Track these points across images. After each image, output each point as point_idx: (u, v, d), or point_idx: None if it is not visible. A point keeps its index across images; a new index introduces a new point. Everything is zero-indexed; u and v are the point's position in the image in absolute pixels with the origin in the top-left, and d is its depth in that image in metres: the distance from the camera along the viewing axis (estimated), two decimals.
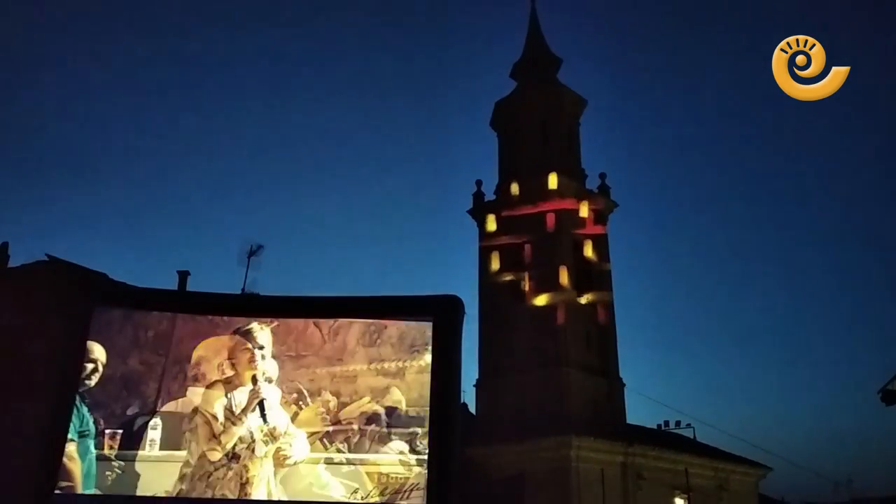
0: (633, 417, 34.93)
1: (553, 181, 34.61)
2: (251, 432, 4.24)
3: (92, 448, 4.49)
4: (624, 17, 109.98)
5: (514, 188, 35.43)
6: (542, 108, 37.65)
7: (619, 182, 72.87)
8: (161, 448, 4.36)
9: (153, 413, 4.46)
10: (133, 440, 4.44)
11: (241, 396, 4.30)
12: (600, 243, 35.51)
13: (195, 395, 4.40)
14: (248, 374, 4.36)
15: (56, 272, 21.75)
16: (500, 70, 54.31)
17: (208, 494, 4.20)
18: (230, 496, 4.16)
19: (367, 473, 4.28)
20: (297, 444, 4.27)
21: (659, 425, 35.04)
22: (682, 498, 32.50)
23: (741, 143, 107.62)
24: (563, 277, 33.47)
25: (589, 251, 34.88)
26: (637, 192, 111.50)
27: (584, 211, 35.07)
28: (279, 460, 4.25)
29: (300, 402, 4.41)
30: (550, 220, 34.10)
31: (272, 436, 4.25)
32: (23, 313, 20.28)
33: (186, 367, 4.62)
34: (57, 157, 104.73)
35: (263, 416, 4.26)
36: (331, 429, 4.40)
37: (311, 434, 4.31)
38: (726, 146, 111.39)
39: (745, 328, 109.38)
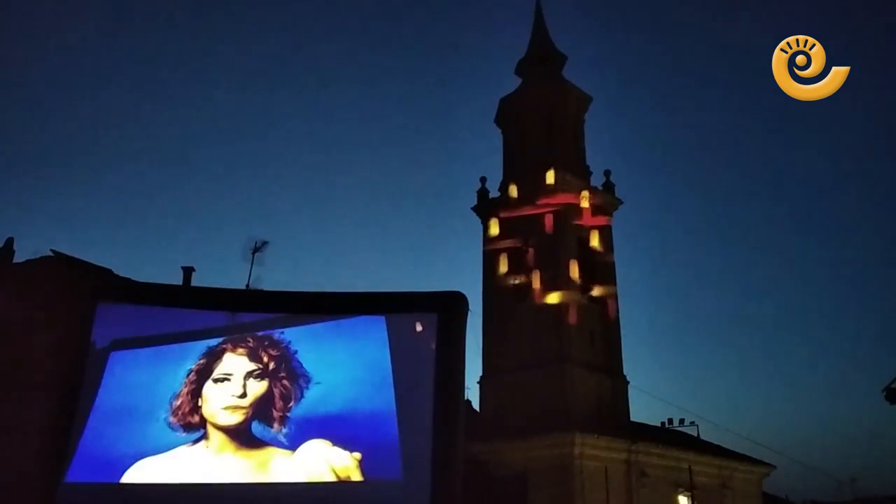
0: (636, 415, 35.01)
1: (558, 178, 34.63)
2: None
3: None
4: (628, 14, 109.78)
5: (519, 185, 35.46)
6: (547, 105, 37.66)
7: (623, 179, 72.92)
8: None
9: None
10: None
11: None
12: (605, 240, 35.53)
13: None
14: None
15: (61, 267, 21.82)
16: (505, 67, 54.30)
17: None
18: None
19: None
20: None
21: (663, 423, 35.00)
22: (685, 496, 32.52)
23: (746, 140, 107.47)
24: (568, 274, 33.48)
25: (594, 248, 34.88)
26: (642, 189, 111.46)
27: (588, 208, 35.07)
28: None
29: None
30: (555, 217, 34.12)
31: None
32: (28, 308, 20.37)
33: None
34: (62, 152, 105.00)
35: None
36: None
37: None
38: (731, 143, 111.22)
39: (749, 326, 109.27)
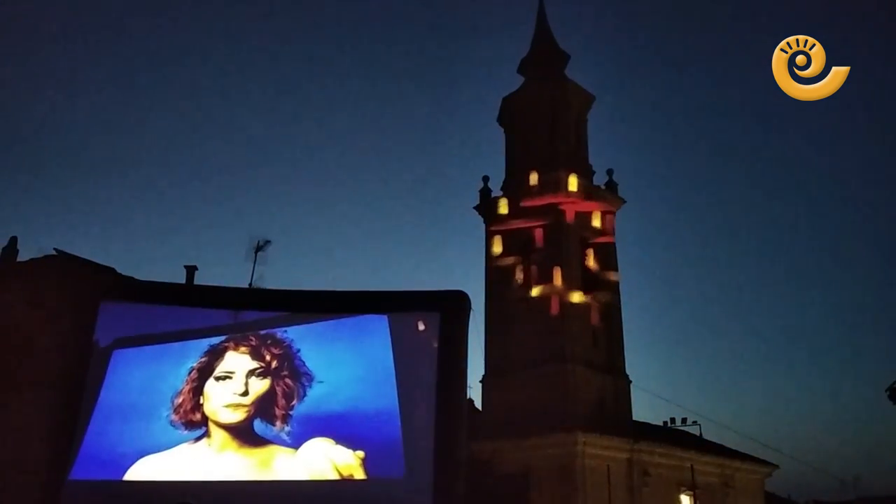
0: (639, 414, 34.91)
1: (560, 177, 34.58)
2: None
3: None
4: (631, 12, 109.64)
5: (521, 184, 35.41)
6: (549, 104, 37.56)
7: (626, 178, 72.68)
8: None
9: None
10: None
11: None
12: (607, 239, 35.46)
13: None
14: None
15: (64, 267, 21.87)
16: (508, 66, 54.32)
17: None
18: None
19: None
20: None
21: (665, 422, 34.87)
22: (687, 495, 32.46)
23: (749, 139, 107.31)
24: (570, 274, 33.43)
25: (596, 248, 34.83)
26: (644, 189, 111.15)
27: (591, 207, 35.00)
28: None
29: None
30: (557, 216, 34.08)
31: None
32: (32, 307, 20.43)
33: None
34: (65, 152, 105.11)
35: None
36: None
37: None
38: (733, 142, 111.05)
39: (752, 325, 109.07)
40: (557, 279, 33.02)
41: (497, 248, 35.03)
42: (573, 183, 34.62)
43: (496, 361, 33.75)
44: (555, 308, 32.46)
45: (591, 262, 34.54)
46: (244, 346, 13.12)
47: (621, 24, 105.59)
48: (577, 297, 33.07)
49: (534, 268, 34.03)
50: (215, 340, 13.16)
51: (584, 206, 34.74)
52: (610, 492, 29.56)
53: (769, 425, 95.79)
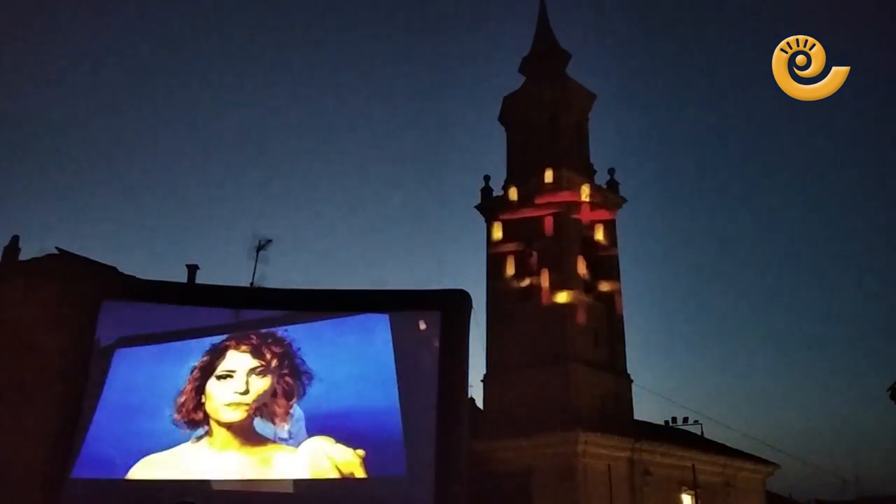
0: (640, 414, 34.97)
1: (562, 176, 34.61)
2: None
3: None
4: (632, 11, 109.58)
5: (523, 184, 35.43)
6: (550, 103, 37.57)
7: (628, 177, 72.88)
8: None
9: None
10: None
11: None
12: (609, 239, 35.48)
13: None
14: None
15: (66, 266, 21.96)
16: (509, 65, 54.39)
17: None
18: None
19: None
20: None
21: (666, 421, 34.94)
22: (689, 494, 32.50)
23: (751, 139, 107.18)
24: (572, 273, 33.46)
25: (597, 247, 34.87)
26: (646, 188, 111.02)
27: (599, 216, 35.04)
28: None
29: None
30: (558, 215, 34.10)
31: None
32: (34, 306, 20.50)
33: None
34: (67, 151, 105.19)
35: None
36: None
37: None
38: (736, 141, 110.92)
39: (753, 324, 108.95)
40: (557, 277, 33.08)
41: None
42: (573, 181, 34.69)
43: (498, 360, 33.79)
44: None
45: (593, 265, 34.57)
46: (245, 344, 13.14)
47: (622, 23, 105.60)
48: (578, 295, 33.10)
49: (535, 266, 34.05)
50: (216, 339, 13.18)
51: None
52: (611, 491, 29.60)
53: (770, 425, 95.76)
